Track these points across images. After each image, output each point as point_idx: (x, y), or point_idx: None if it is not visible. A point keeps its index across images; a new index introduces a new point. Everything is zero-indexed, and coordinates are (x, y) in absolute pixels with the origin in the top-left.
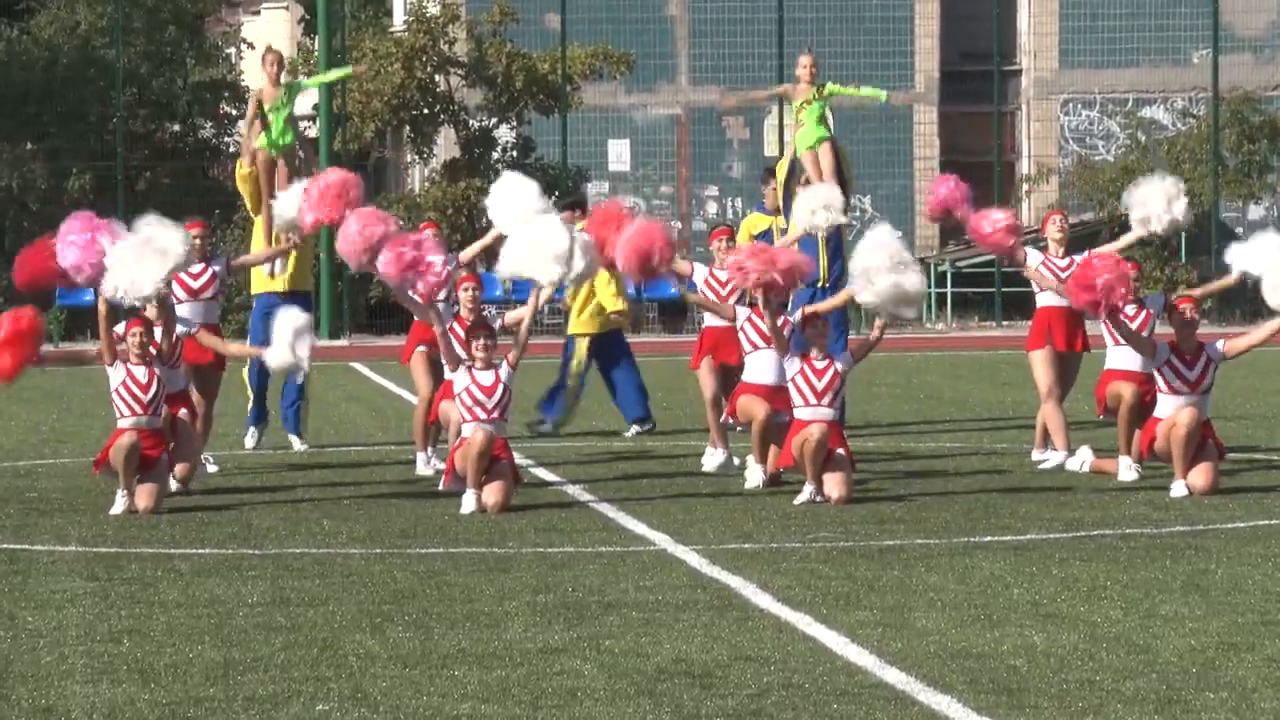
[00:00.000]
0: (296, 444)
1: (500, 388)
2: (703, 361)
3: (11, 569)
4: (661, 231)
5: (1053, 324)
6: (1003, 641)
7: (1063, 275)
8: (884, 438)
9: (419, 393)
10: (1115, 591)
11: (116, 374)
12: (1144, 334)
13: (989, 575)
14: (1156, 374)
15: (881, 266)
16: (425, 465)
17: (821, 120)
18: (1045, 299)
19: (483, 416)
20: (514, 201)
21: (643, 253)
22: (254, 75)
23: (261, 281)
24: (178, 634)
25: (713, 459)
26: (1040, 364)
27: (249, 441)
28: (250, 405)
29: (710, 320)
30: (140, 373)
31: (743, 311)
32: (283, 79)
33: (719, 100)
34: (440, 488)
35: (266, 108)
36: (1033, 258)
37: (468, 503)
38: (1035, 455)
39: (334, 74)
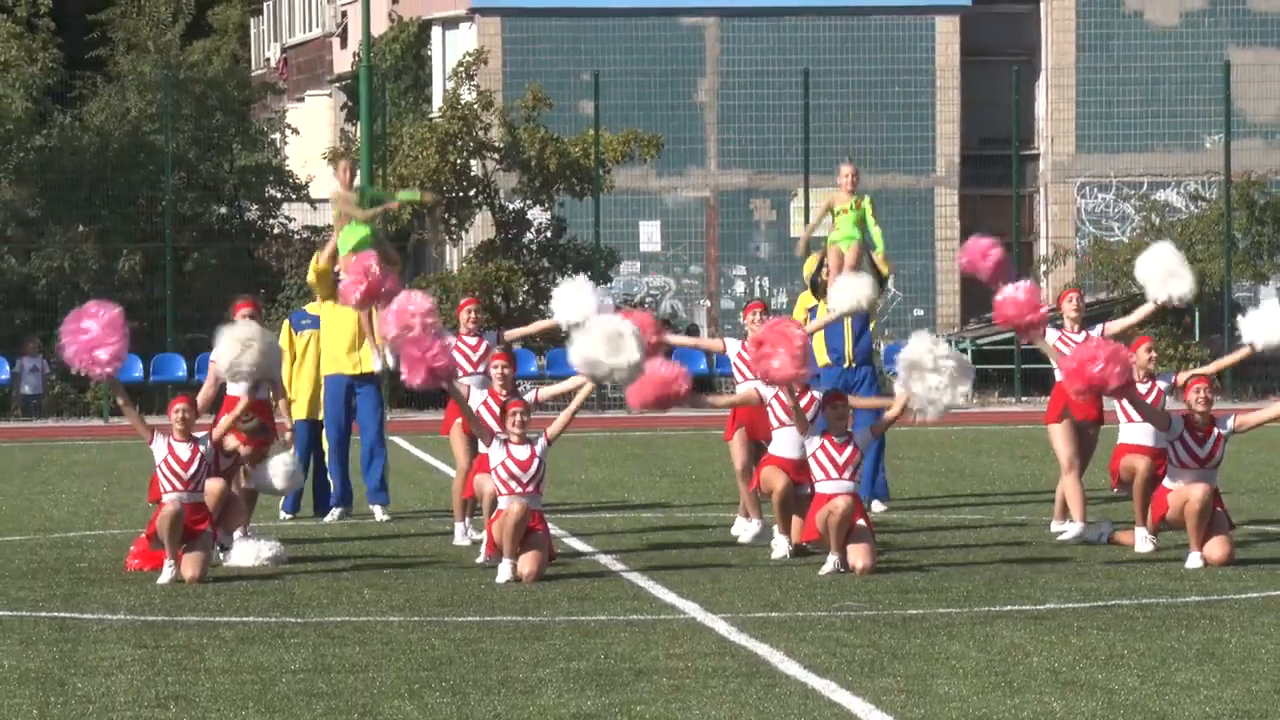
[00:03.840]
0: (379, 514)
1: (536, 462)
2: (735, 434)
3: (62, 636)
4: (672, 381)
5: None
6: (1023, 709)
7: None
8: (907, 510)
9: (457, 464)
10: (1132, 660)
11: (159, 450)
12: (1157, 408)
13: (1009, 644)
14: (1169, 447)
15: (943, 376)
16: (463, 536)
17: (856, 224)
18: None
19: (518, 490)
20: (577, 300)
21: (662, 401)
22: (298, 160)
23: (332, 362)
24: (222, 700)
25: (747, 530)
26: (1059, 437)
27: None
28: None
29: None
30: (182, 449)
31: (769, 391)
32: (356, 183)
33: (795, 249)
34: (479, 560)
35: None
36: (1050, 335)
37: (503, 572)
38: (1054, 527)
39: (403, 195)
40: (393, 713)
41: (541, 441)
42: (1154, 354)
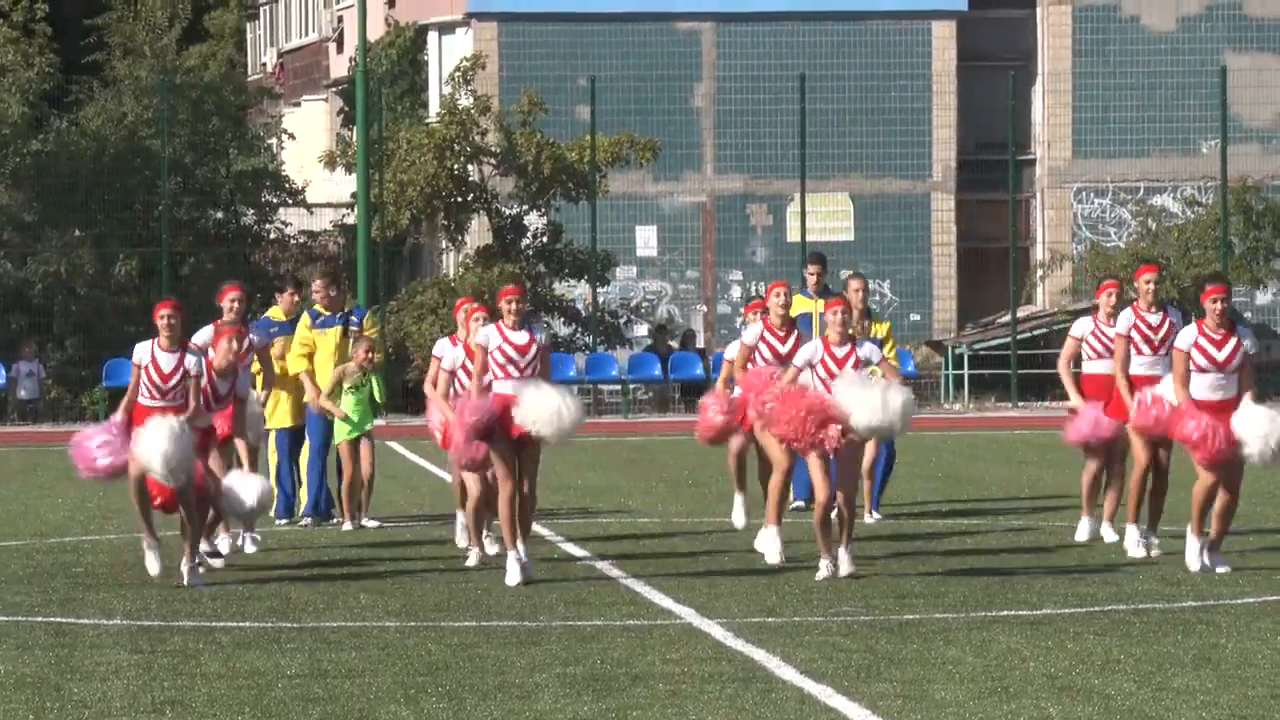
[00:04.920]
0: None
1: (534, 347)
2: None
3: (58, 641)
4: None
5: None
6: (1019, 714)
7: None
8: (904, 517)
9: (469, 492)
10: (1129, 665)
11: (143, 354)
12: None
13: (1006, 649)
14: (1189, 355)
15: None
16: (461, 535)
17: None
18: (1094, 367)
19: (515, 375)
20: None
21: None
22: (294, 165)
23: (278, 417)
24: (219, 705)
25: (770, 548)
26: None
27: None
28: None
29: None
30: (166, 359)
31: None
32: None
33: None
34: (470, 564)
35: (347, 384)
36: (1123, 320)
37: (511, 573)
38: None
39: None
40: (389, 718)
41: (542, 333)
42: (1153, 285)
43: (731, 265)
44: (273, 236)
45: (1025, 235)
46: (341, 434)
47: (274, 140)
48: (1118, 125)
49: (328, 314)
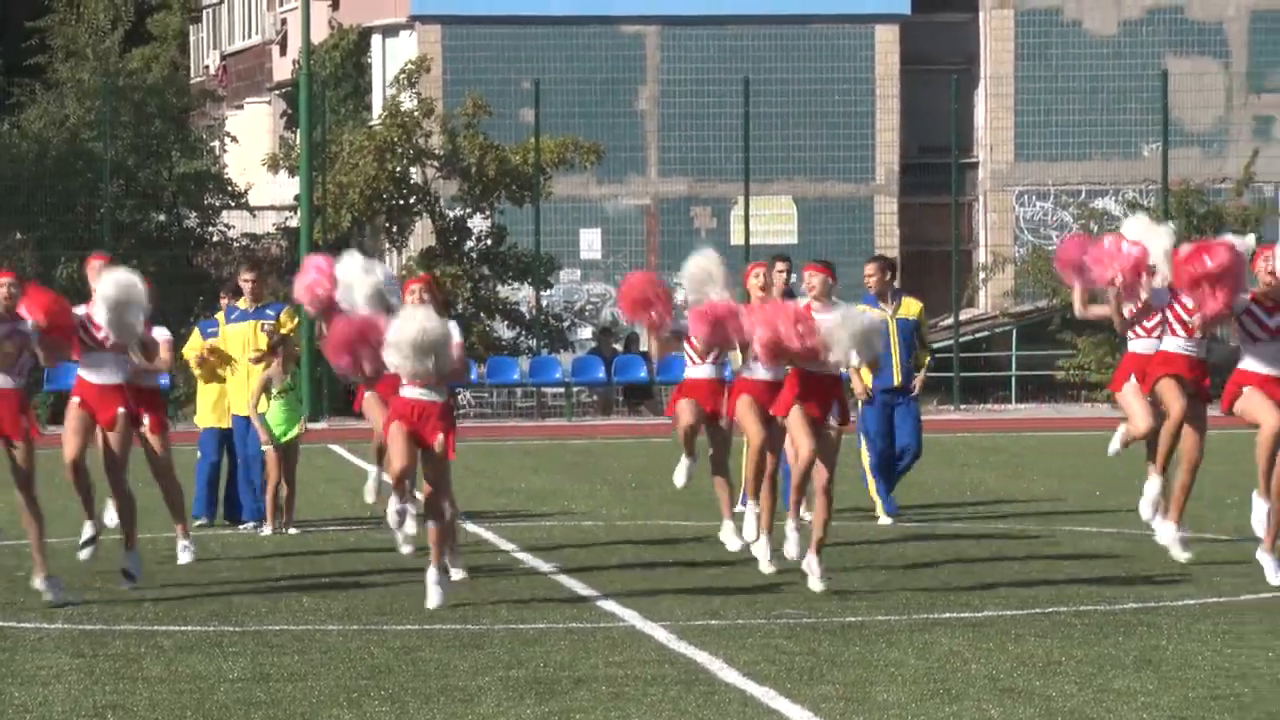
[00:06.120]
0: (266, 529)
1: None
2: (739, 403)
3: None
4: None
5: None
6: (961, 716)
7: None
8: (847, 517)
9: (376, 427)
10: (1070, 667)
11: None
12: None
13: (948, 651)
14: (1237, 323)
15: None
16: (372, 493)
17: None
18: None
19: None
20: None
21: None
22: (237, 167)
23: (206, 418)
24: (160, 709)
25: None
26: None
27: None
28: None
29: (746, 372)
30: None
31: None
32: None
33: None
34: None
35: (275, 388)
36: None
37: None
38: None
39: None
40: None
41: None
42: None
43: (676, 268)
44: (215, 239)
45: (968, 238)
46: (276, 437)
47: (217, 143)
48: (1060, 129)
49: (243, 308)
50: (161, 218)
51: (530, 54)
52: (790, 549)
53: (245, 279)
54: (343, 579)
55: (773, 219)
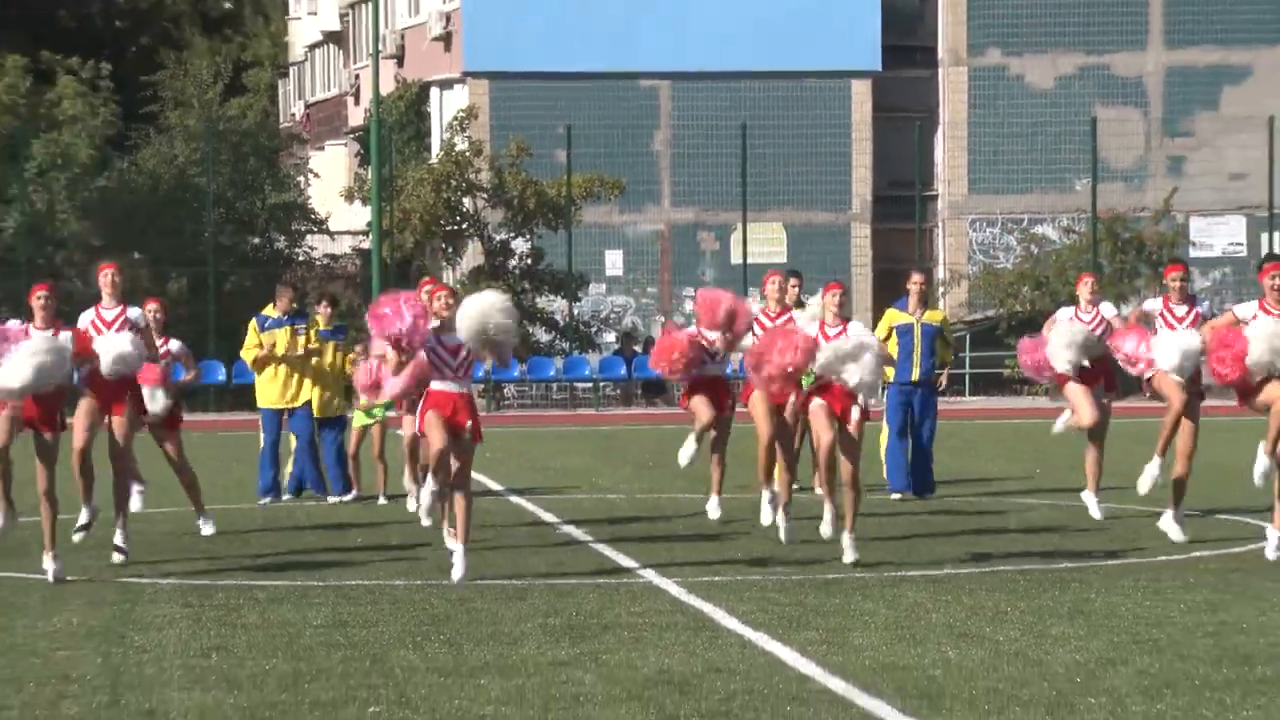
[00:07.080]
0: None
1: (464, 350)
2: (752, 399)
3: (122, 598)
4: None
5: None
6: (924, 656)
7: (1093, 329)
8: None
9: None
10: (1015, 616)
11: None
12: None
13: (912, 603)
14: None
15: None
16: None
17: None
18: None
19: (449, 374)
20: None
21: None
22: (318, 199)
23: (268, 398)
24: (256, 650)
25: (778, 522)
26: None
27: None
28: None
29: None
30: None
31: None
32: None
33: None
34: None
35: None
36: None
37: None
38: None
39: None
40: (399, 660)
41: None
42: (1180, 282)
43: (685, 283)
44: (301, 259)
45: (929, 258)
46: (360, 419)
47: (302, 178)
48: (1006, 167)
49: (275, 316)
50: (255, 241)
51: (564, 104)
52: (825, 528)
53: (286, 300)
54: (407, 544)
55: (766, 241)
